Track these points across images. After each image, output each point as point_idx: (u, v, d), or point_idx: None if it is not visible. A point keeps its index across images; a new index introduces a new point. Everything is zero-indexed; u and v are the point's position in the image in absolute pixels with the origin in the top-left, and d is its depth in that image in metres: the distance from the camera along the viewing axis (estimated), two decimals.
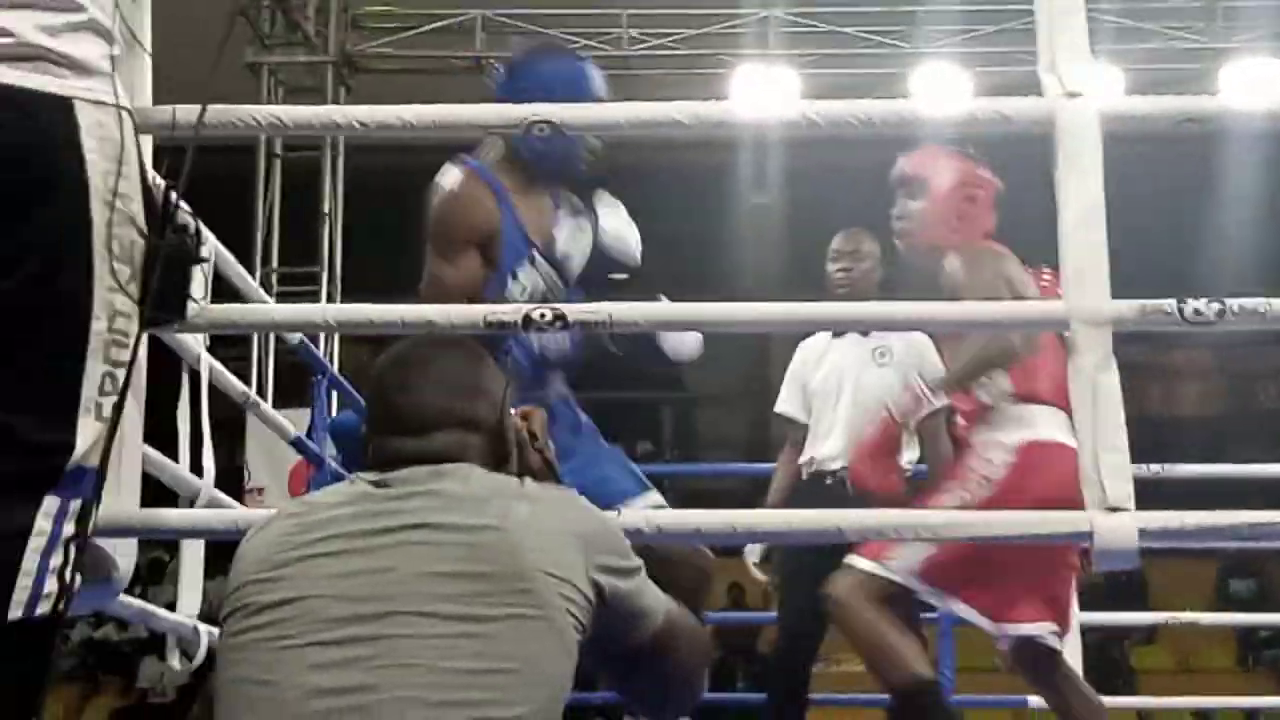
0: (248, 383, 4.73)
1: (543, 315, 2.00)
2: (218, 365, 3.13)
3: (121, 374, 1.75)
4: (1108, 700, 4.02)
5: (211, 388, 3.03)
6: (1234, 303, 2.11)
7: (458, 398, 1.69)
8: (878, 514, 2.05)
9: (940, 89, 8.87)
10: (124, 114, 1.80)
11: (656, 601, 1.69)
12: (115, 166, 1.76)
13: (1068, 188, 2.17)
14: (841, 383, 4.28)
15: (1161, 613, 6.93)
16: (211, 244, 3.18)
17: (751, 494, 8.53)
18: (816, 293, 4.23)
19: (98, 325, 1.74)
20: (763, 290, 10.42)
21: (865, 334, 4.29)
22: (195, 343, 2.90)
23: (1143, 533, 2.03)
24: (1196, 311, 2.11)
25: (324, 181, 9.15)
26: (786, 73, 9.09)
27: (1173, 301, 2.16)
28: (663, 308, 2.09)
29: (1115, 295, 2.18)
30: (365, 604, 1.52)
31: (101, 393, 1.73)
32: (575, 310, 2.04)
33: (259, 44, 9.13)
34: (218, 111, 2.12)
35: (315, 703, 1.48)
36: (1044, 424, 3.31)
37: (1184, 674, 10.91)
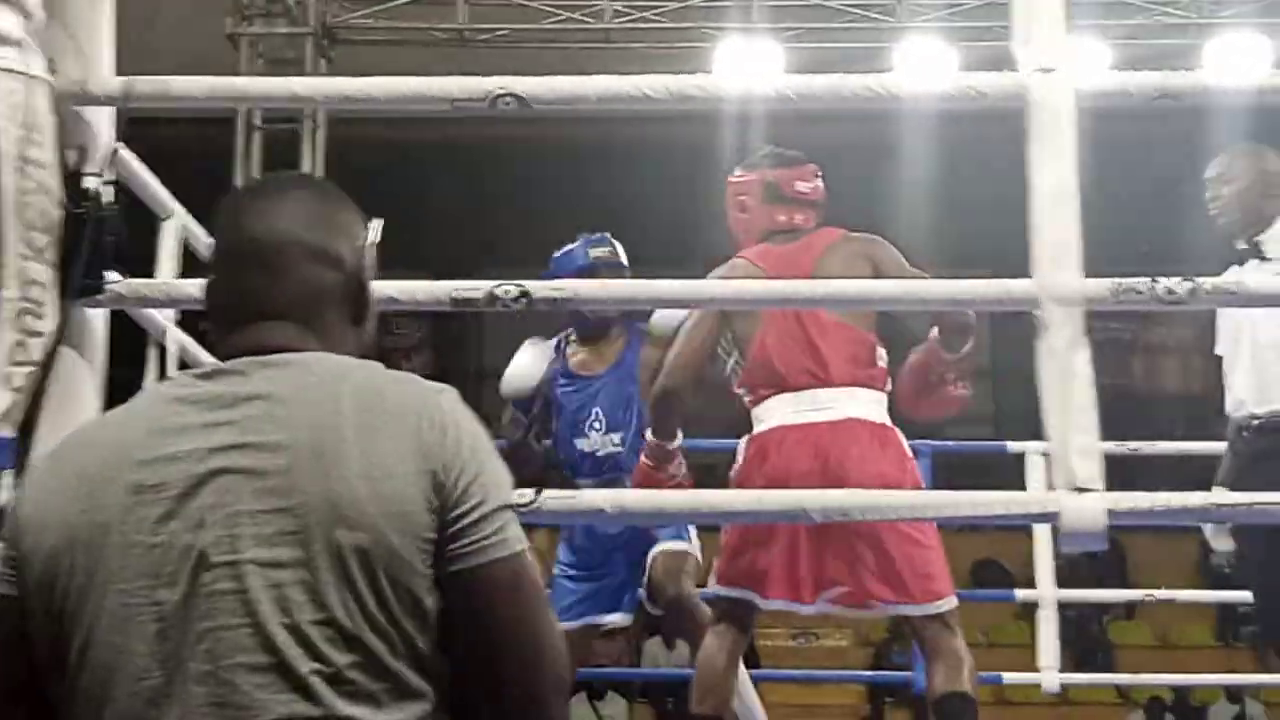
0: None
1: (507, 292, 1.99)
2: (187, 340, 3.08)
3: (37, 343, 1.72)
4: (1086, 676, 4.02)
5: (182, 365, 2.99)
6: (1205, 281, 2.11)
7: (315, 228, 1.50)
8: (843, 494, 2.03)
9: (924, 64, 8.84)
10: (36, 84, 1.78)
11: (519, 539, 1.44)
12: (25, 133, 1.74)
13: (1041, 165, 2.15)
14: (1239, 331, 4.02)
15: (1139, 590, 6.93)
16: (179, 217, 3.16)
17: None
18: None
19: (8, 293, 1.71)
20: None
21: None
22: (161, 317, 2.85)
23: (1111, 513, 2.01)
24: (1169, 290, 2.11)
25: (303, 154, 9.08)
26: (770, 46, 9.04)
27: (1146, 280, 2.15)
28: (621, 284, 2.08)
29: (1090, 273, 2.16)
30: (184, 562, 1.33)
31: (12, 362, 1.70)
32: (539, 287, 2.03)
33: (238, 15, 9.06)
34: (180, 83, 2.09)
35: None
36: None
37: (1163, 649, 10.94)
